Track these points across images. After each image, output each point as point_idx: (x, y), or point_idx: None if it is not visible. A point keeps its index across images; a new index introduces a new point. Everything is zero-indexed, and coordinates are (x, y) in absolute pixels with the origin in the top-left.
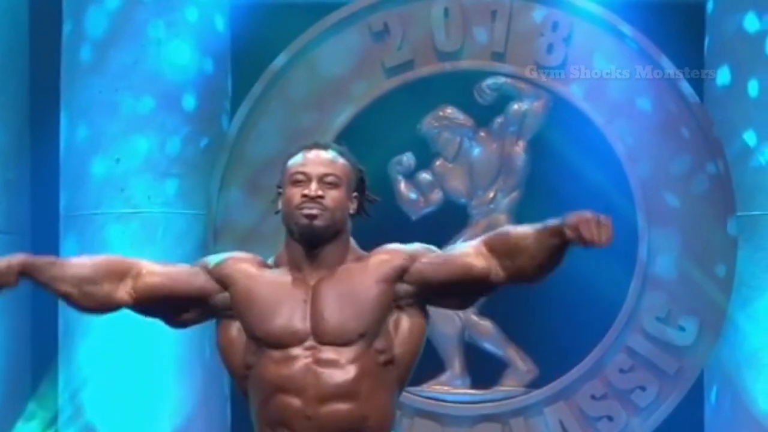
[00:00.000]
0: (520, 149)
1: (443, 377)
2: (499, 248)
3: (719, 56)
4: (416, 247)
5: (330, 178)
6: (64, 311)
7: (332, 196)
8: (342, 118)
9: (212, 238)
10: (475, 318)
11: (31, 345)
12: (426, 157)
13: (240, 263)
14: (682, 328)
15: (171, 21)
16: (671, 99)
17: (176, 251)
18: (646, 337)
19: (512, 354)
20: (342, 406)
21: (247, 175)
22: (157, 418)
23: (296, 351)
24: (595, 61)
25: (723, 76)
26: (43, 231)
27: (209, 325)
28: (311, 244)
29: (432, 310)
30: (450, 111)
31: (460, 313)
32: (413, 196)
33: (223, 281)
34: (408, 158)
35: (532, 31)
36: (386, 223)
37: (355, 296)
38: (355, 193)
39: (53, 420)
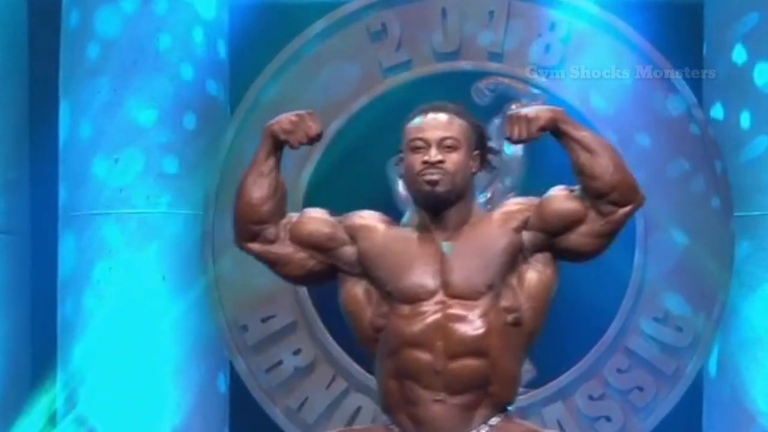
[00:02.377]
0: (518, 149)
1: None
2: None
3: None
4: (536, 197)
5: (449, 142)
6: (63, 310)
7: (452, 159)
8: (340, 118)
9: (210, 238)
10: None
11: (31, 344)
12: None
13: (370, 219)
14: (679, 329)
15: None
16: (669, 99)
17: (175, 251)
18: (644, 338)
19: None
20: (471, 362)
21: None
22: (155, 418)
23: (426, 306)
24: (593, 62)
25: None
26: (43, 231)
27: (208, 324)
28: (435, 209)
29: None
30: None
31: None
32: None
33: (353, 234)
34: None
35: (529, 31)
36: None
37: (482, 250)
38: (476, 151)
39: (52, 419)
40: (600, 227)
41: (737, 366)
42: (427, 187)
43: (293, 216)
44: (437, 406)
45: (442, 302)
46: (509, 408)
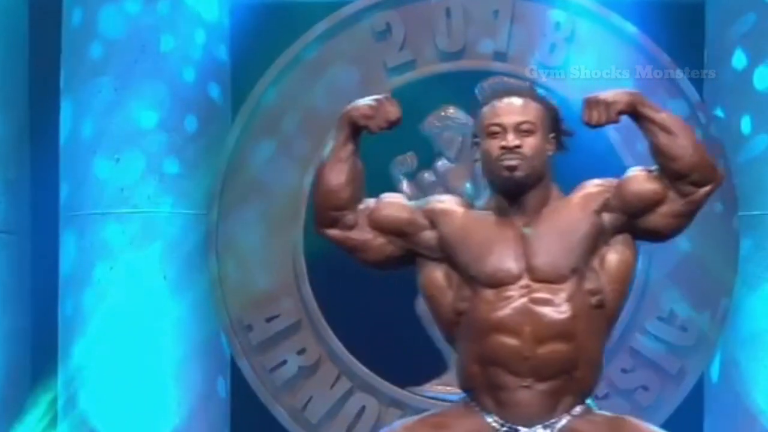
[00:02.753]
0: None
1: (445, 377)
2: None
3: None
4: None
5: (525, 126)
6: (64, 310)
7: (529, 143)
8: None
9: (214, 238)
10: None
11: (32, 344)
12: (428, 157)
13: (449, 204)
14: (684, 329)
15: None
16: (673, 99)
17: (177, 251)
18: (649, 338)
19: None
20: (560, 347)
21: (248, 174)
22: (156, 418)
23: (511, 290)
24: (598, 61)
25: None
26: (43, 231)
27: (210, 324)
28: (514, 194)
29: None
30: (452, 111)
31: None
32: (416, 195)
33: (433, 219)
34: (410, 158)
35: (533, 31)
36: None
37: (564, 233)
38: (552, 134)
39: (52, 420)
40: (680, 207)
41: (738, 365)
42: (506, 173)
43: (371, 201)
44: (524, 392)
45: (527, 286)
46: (590, 398)
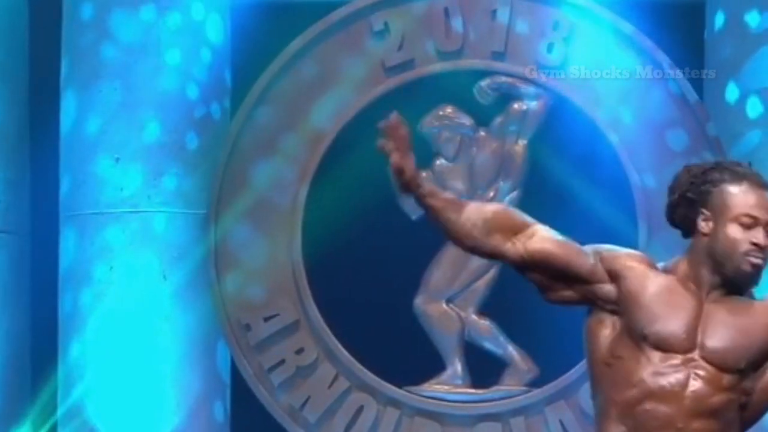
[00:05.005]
0: (520, 149)
1: (443, 376)
2: None
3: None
4: None
5: None
6: (63, 310)
7: None
8: (342, 117)
9: (212, 238)
10: (475, 317)
11: (31, 344)
12: (426, 156)
13: (633, 260)
14: None
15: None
16: (672, 99)
17: (176, 251)
18: None
19: (512, 353)
20: (711, 426)
21: (246, 173)
22: (155, 418)
23: (678, 359)
24: (596, 61)
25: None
26: (43, 230)
27: (208, 324)
28: (741, 288)
29: (431, 307)
30: (450, 110)
31: (461, 312)
32: None
33: (612, 273)
34: None
35: (532, 30)
36: (387, 223)
37: (747, 330)
38: None
39: (52, 419)
40: None
41: None
42: (750, 269)
43: (538, 231)
44: None
45: (693, 360)
46: None
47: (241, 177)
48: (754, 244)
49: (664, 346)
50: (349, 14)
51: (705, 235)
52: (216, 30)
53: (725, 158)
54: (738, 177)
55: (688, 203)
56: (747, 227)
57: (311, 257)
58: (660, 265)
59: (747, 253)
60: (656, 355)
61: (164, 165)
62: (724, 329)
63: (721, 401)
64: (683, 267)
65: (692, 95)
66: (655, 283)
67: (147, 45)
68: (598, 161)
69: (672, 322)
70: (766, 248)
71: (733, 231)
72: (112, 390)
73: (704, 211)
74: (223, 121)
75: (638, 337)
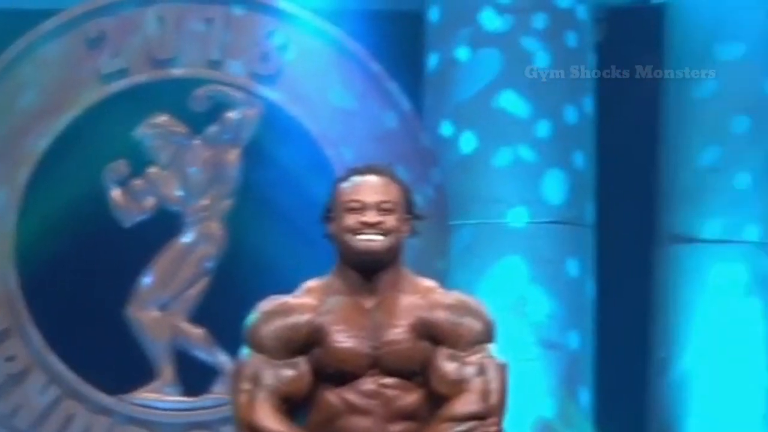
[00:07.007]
0: (234, 157)
1: (154, 384)
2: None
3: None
4: (469, 330)
5: (386, 205)
6: None
7: (389, 222)
8: (58, 125)
9: None
10: (186, 325)
11: None
12: (141, 164)
13: (300, 318)
14: None
15: None
16: (387, 108)
17: None
18: None
19: (224, 361)
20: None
21: None
22: None
23: (362, 377)
24: (311, 71)
25: None
26: None
27: None
28: (369, 270)
29: (143, 315)
30: (164, 119)
31: (173, 320)
32: (127, 203)
33: (309, 342)
34: (122, 166)
35: (248, 39)
36: (99, 231)
37: (411, 327)
38: (407, 215)
39: None
40: None
41: None
42: (365, 246)
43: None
44: None
45: (377, 374)
46: None
47: None
48: (363, 223)
49: (344, 370)
50: (64, 22)
51: (334, 236)
52: None
53: (436, 168)
54: (350, 173)
55: (327, 218)
56: (356, 211)
57: (24, 265)
58: (308, 284)
59: (357, 232)
60: (340, 378)
61: None
62: (394, 332)
63: (413, 402)
64: (336, 281)
65: (406, 104)
66: (324, 314)
67: None
68: (311, 171)
69: (344, 341)
70: (380, 226)
71: (345, 218)
72: None
73: (330, 215)
74: None
75: (320, 365)
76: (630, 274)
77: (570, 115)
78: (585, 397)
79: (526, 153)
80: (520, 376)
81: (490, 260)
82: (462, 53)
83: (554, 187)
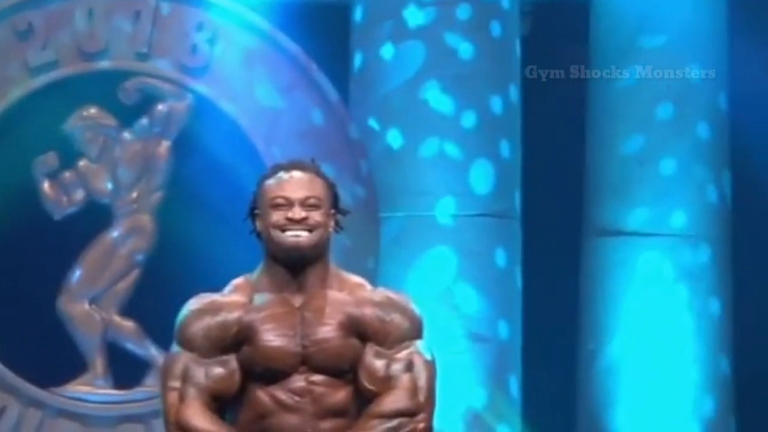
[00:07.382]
0: (164, 150)
1: (86, 377)
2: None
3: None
4: (397, 327)
5: (312, 200)
6: None
7: (315, 217)
8: None
9: None
10: (118, 318)
11: None
12: (70, 157)
13: (227, 317)
14: None
15: None
16: (318, 101)
17: None
18: None
19: (155, 354)
20: (337, 424)
21: None
22: None
23: (291, 375)
24: (241, 63)
25: None
26: None
27: None
28: (296, 266)
29: (73, 307)
30: (94, 111)
31: (104, 313)
32: (57, 195)
33: (236, 342)
34: (51, 158)
35: (176, 32)
36: (29, 224)
37: (340, 325)
38: (332, 210)
39: None
40: None
41: None
42: (291, 242)
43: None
44: None
45: (306, 372)
46: None
47: None
48: (289, 219)
49: (273, 369)
50: None
51: (260, 232)
52: None
53: (365, 160)
54: (274, 169)
55: (252, 215)
56: (281, 207)
57: None
58: (236, 282)
59: (284, 228)
60: (270, 376)
61: None
62: (322, 330)
63: (342, 399)
64: (264, 278)
65: (334, 96)
66: (252, 312)
67: None
68: (241, 164)
69: (272, 344)
70: (306, 222)
71: (270, 215)
72: None
73: (256, 212)
74: None
75: (250, 363)
76: (558, 264)
77: (495, 105)
78: (514, 387)
79: (451, 144)
80: (450, 367)
81: (418, 252)
82: (386, 49)
83: (481, 178)
